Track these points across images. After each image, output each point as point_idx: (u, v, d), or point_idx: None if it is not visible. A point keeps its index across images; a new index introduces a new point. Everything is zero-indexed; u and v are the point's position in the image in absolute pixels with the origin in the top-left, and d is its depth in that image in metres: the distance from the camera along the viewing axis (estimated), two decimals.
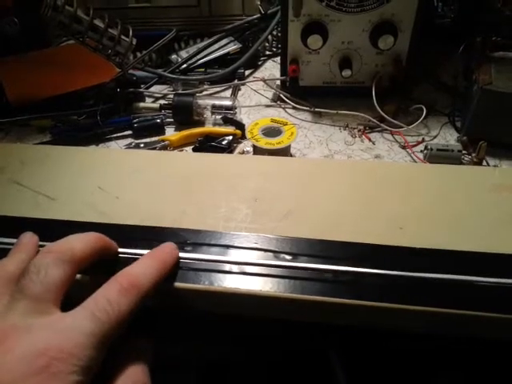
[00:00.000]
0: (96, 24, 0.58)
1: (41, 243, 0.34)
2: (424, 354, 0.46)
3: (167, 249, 0.35)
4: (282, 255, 0.36)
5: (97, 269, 0.33)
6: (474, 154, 0.53)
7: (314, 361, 0.49)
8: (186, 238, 0.37)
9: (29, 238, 0.34)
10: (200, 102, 0.63)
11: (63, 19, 0.56)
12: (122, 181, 0.44)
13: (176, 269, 0.35)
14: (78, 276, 0.33)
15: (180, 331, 0.44)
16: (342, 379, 0.46)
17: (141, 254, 0.34)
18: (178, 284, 0.34)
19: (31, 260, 0.30)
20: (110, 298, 0.28)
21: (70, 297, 0.29)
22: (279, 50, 0.69)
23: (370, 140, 0.59)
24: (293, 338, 0.46)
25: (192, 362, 0.53)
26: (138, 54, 0.72)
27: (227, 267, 0.35)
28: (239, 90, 0.71)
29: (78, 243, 0.31)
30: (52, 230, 0.37)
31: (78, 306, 0.28)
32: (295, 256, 0.36)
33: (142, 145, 0.58)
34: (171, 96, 0.64)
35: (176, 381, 0.54)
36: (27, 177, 0.45)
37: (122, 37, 0.61)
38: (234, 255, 0.36)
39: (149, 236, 0.37)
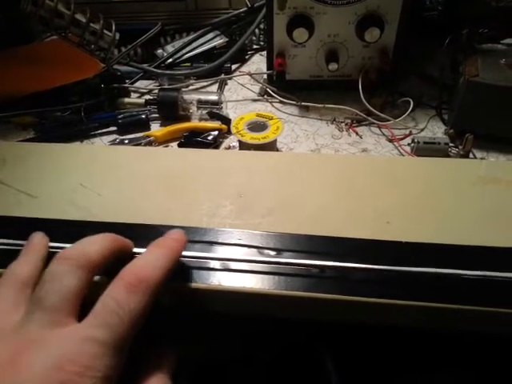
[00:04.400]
0: (78, 19, 0.58)
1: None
2: (417, 351, 0.45)
3: (175, 235, 0.33)
4: (267, 251, 0.35)
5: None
6: (460, 147, 0.52)
7: (307, 356, 0.49)
8: None
9: (39, 239, 0.33)
10: (186, 96, 0.62)
11: (43, 14, 0.55)
12: (105, 178, 0.44)
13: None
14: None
15: (174, 331, 0.44)
16: (333, 375, 0.46)
17: None
18: None
19: (43, 262, 0.30)
20: (119, 299, 0.26)
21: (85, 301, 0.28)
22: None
23: (357, 134, 0.58)
24: (286, 334, 0.46)
25: (186, 361, 0.53)
26: (123, 49, 0.71)
27: (211, 264, 0.34)
28: (226, 84, 0.71)
29: (94, 246, 0.30)
30: (33, 228, 0.36)
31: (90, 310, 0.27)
32: (280, 252, 0.35)
33: (126, 141, 0.57)
34: (157, 91, 0.64)
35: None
36: (9, 175, 0.44)
37: (105, 31, 0.60)
38: (217, 251, 0.36)
39: (132, 233, 0.37)
